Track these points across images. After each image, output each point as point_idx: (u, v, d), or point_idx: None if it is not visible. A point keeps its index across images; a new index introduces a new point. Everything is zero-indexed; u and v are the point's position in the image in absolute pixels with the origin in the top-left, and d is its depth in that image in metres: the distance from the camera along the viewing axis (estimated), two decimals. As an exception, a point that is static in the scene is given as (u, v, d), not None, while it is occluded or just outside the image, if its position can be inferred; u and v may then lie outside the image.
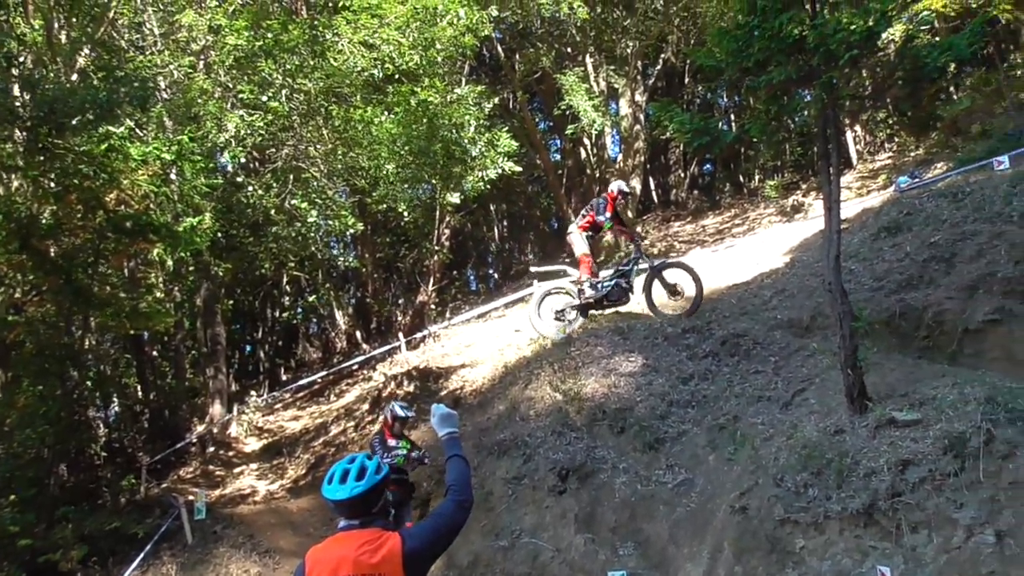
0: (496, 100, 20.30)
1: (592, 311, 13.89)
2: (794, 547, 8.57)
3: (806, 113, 9.93)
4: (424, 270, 23.13)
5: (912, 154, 26.60)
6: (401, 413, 10.77)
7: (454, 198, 15.39)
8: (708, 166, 34.54)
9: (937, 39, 13.20)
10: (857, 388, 9.10)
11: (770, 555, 8.72)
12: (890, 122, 28.61)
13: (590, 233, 13.97)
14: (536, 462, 10.58)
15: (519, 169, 18.00)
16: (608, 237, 20.46)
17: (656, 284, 13.65)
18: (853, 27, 8.70)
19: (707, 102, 32.49)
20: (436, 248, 22.15)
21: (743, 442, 9.86)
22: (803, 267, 14.52)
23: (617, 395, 11.28)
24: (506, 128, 17.57)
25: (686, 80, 30.13)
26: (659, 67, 27.45)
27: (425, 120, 13.44)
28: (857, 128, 29.13)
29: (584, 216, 13.96)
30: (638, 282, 13.82)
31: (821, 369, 10.52)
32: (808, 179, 29.21)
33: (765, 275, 15.43)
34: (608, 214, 13.67)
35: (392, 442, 10.54)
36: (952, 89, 27.00)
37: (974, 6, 21.69)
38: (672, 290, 13.71)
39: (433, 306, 22.90)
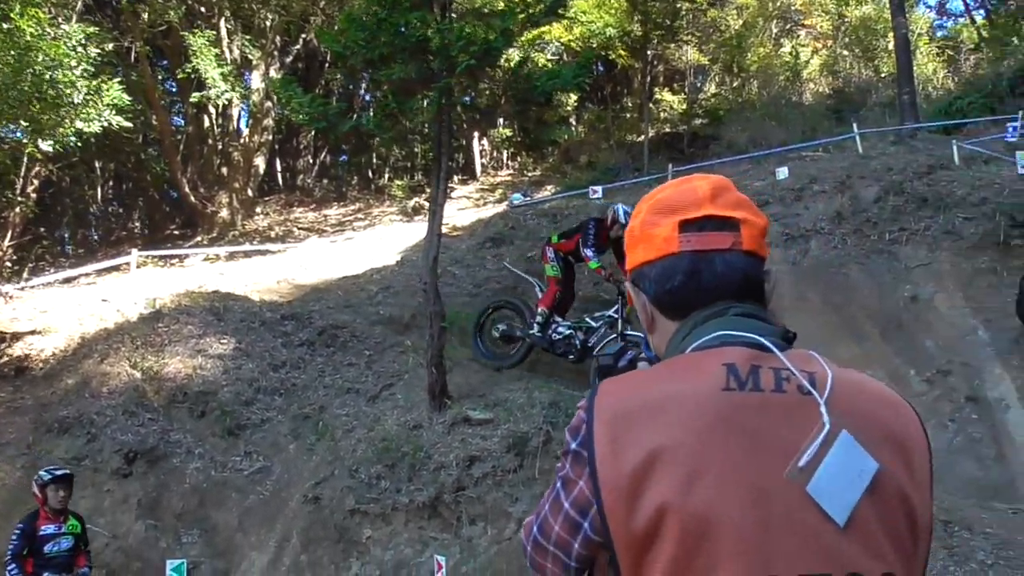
0: (111, 47, 18.55)
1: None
2: (361, 537, 8.67)
3: (424, 115, 10.10)
4: (2, 221, 20.56)
5: (529, 174, 28.54)
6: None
7: (45, 146, 13.74)
8: (342, 156, 34.42)
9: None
10: (439, 386, 9.42)
11: (337, 545, 8.75)
12: (515, 141, 30.45)
13: (570, 259, 10.71)
14: (101, 442, 9.73)
15: (129, 126, 16.60)
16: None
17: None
18: (474, 38, 9.01)
19: (348, 91, 32.35)
20: (19, 199, 19.83)
21: (325, 432, 9.81)
22: (412, 267, 14.87)
23: (202, 377, 10.72)
24: (119, 80, 16.12)
25: (327, 65, 29.80)
26: (299, 46, 26.83)
27: (13, 52, 11.79)
28: (484, 142, 30.65)
29: (568, 237, 10.63)
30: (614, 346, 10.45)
31: (412, 366, 10.78)
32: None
33: (376, 271, 15.60)
34: (591, 251, 10.07)
35: None
36: (573, 120, 29.40)
37: (594, 45, 23.68)
38: None
39: (9, 264, 20.42)
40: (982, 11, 28.00)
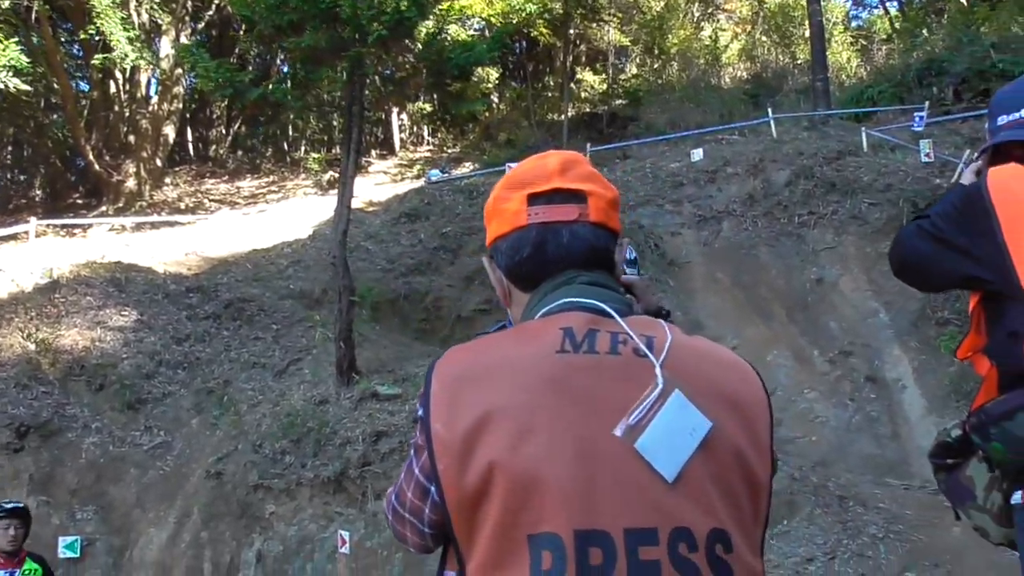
0: (8, 4, 17.60)
1: None
2: (264, 512, 8.52)
3: (336, 86, 9.88)
4: None
5: (449, 151, 28.31)
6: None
7: (-64, 106, 13.01)
8: (258, 128, 33.57)
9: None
10: (347, 361, 9.28)
11: (239, 520, 8.58)
12: (434, 117, 30.16)
13: None
14: (-10, 416, 9.33)
15: (29, 89, 15.87)
16: None
17: None
18: (386, 7, 8.83)
19: (264, 61, 31.54)
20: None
21: (229, 407, 9.58)
22: (325, 241, 14.59)
23: (101, 350, 10.36)
24: (16, 40, 15.39)
25: (241, 32, 29.00)
26: (212, 12, 26.01)
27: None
28: (404, 117, 30.27)
29: None
30: None
31: (320, 341, 10.59)
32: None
33: (288, 244, 15.27)
34: None
35: None
36: (496, 97, 29.21)
37: (515, 21, 23.45)
38: None
39: None
40: (895, 2, 28.71)
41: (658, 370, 1.25)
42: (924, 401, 9.56)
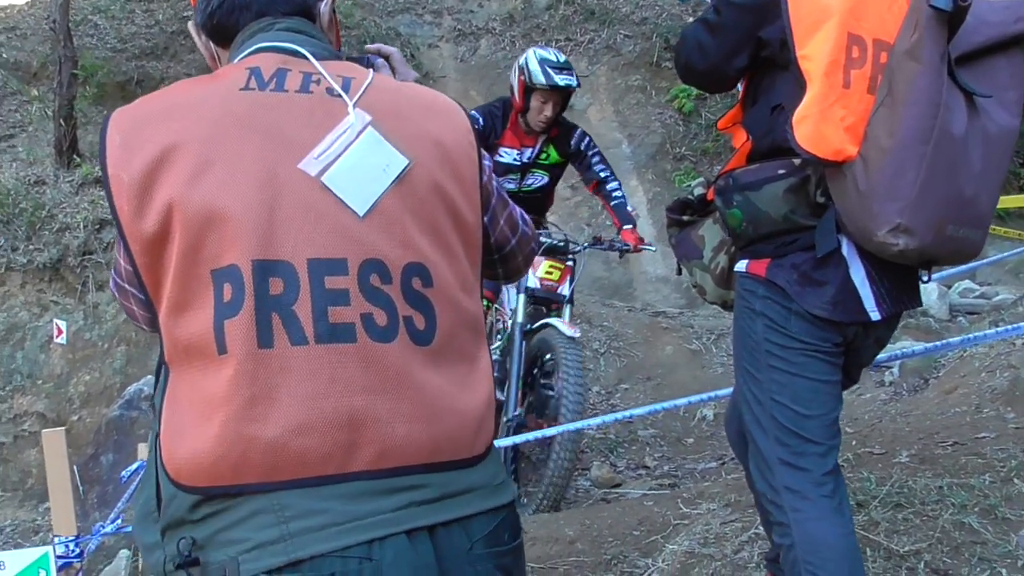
0: None
1: None
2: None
3: None
4: None
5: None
6: None
7: None
8: None
9: None
10: (68, 142, 8.51)
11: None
12: None
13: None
14: None
15: None
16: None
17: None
18: None
19: None
20: None
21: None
22: (45, 9, 12.96)
23: None
24: None
25: None
26: None
27: None
28: None
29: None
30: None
31: (37, 118, 9.57)
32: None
33: (1, 8, 13.45)
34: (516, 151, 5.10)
35: None
36: None
37: None
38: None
39: None
40: None
41: (350, 107, 1.21)
42: (653, 230, 10.13)
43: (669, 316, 8.21)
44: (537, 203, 5.10)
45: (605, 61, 11.76)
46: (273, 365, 1.10)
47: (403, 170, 1.20)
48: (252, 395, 1.10)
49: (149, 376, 6.53)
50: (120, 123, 1.19)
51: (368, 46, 1.54)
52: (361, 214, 1.16)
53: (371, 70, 1.32)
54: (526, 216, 1.55)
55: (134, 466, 3.69)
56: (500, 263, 1.49)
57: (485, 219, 1.35)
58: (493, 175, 1.42)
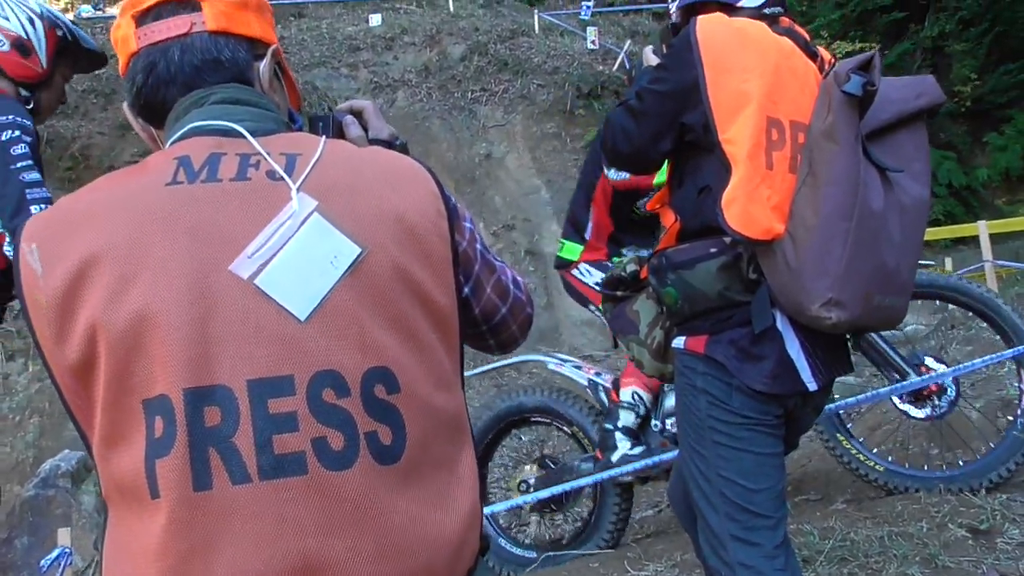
0: None
1: None
2: None
3: None
4: None
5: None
6: None
7: None
8: None
9: None
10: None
11: None
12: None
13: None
14: None
15: None
16: None
17: None
18: None
19: None
20: None
21: None
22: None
23: None
24: None
25: None
26: None
27: None
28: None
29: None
30: None
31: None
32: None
33: None
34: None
35: None
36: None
37: None
38: None
39: None
40: None
41: (293, 193, 1.08)
42: (574, 275, 10.30)
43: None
44: None
45: (520, 110, 11.92)
46: (212, 510, 0.98)
47: (355, 259, 1.06)
48: (189, 548, 0.97)
49: (66, 450, 6.28)
50: (35, 232, 1.07)
51: (340, 105, 1.41)
52: (302, 318, 1.02)
53: (323, 138, 1.18)
54: (519, 279, 1.40)
55: (54, 553, 3.53)
56: (490, 334, 1.34)
57: (467, 289, 1.23)
58: (476, 236, 1.28)
